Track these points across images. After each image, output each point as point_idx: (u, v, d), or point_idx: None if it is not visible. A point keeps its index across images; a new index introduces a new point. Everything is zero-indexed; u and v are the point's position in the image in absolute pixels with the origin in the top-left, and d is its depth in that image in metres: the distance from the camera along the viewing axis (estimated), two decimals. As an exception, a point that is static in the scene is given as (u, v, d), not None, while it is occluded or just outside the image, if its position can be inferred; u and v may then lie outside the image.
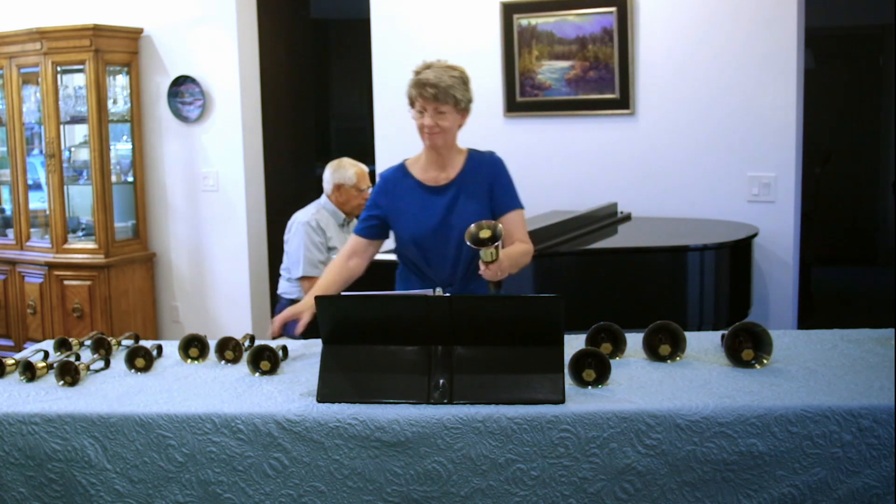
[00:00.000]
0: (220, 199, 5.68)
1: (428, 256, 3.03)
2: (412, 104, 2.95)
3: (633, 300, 3.94)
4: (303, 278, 4.34)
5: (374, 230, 3.10)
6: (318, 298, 2.37)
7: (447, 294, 2.45)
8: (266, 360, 2.54)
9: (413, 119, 2.98)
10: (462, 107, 2.96)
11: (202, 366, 2.63)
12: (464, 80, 2.96)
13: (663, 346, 2.54)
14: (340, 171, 4.47)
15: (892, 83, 8.10)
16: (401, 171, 3.10)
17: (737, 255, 4.10)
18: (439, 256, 3.02)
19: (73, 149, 5.78)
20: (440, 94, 2.88)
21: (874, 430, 2.10)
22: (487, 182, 3.02)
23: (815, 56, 7.23)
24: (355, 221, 4.64)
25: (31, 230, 5.83)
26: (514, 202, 3.06)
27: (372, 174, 4.90)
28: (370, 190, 4.54)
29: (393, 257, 3.33)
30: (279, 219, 5.14)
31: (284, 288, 4.50)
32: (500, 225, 2.77)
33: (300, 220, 4.42)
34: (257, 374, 2.52)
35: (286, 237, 4.49)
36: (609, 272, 3.95)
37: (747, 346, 2.45)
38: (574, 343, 2.53)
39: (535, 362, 2.24)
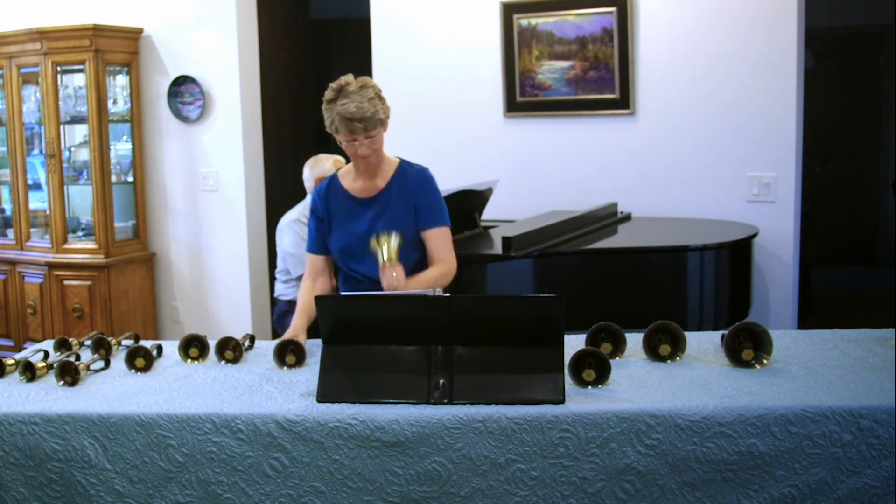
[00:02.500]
0: (220, 199, 5.68)
1: (358, 266, 3.05)
2: (336, 133, 2.93)
3: (633, 300, 3.94)
4: None
5: (324, 245, 3.12)
6: (318, 298, 2.37)
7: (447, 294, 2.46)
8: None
9: (339, 143, 2.97)
10: (386, 122, 2.97)
11: (202, 366, 2.63)
12: (379, 96, 2.94)
13: (663, 346, 2.54)
14: (319, 166, 4.48)
15: (892, 83, 8.10)
16: (333, 183, 3.12)
17: (737, 255, 4.11)
18: (368, 266, 3.02)
19: (73, 149, 5.78)
20: (369, 125, 2.88)
21: (874, 430, 2.10)
22: (412, 196, 3.02)
23: (815, 56, 7.23)
24: None
25: (31, 230, 5.83)
26: (436, 219, 3.04)
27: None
28: None
29: None
30: (279, 219, 5.14)
31: (281, 290, 4.50)
32: (397, 235, 2.82)
33: (290, 219, 4.43)
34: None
35: (278, 239, 4.50)
36: (609, 272, 3.95)
37: (747, 346, 2.45)
38: (574, 343, 2.53)
39: (535, 362, 2.24)
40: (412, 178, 3.05)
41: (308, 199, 4.51)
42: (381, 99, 2.96)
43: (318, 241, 3.12)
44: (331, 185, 3.12)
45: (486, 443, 2.14)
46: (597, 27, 4.82)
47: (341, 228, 3.06)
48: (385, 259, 2.81)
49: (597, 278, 3.94)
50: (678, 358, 2.52)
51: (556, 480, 2.14)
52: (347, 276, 3.12)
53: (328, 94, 2.94)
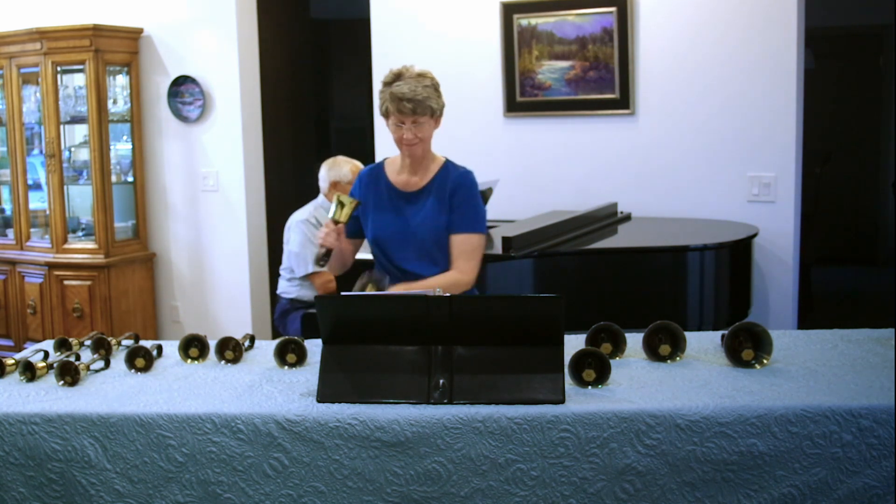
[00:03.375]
0: (220, 199, 5.68)
1: (391, 257, 3.07)
2: (387, 116, 2.97)
3: (633, 300, 3.94)
4: (313, 274, 4.35)
5: (354, 228, 3.13)
6: (318, 298, 2.37)
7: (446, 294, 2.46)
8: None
9: (388, 129, 3.01)
10: (437, 115, 2.99)
11: (202, 366, 2.63)
12: (436, 88, 2.97)
13: (663, 346, 2.54)
14: (336, 169, 4.49)
15: (892, 83, 8.10)
16: (377, 170, 3.14)
17: (737, 255, 4.10)
18: (401, 258, 3.05)
19: (73, 149, 5.78)
20: (418, 108, 2.90)
21: (874, 430, 2.10)
22: (448, 196, 3.01)
23: (815, 56, 7.23)
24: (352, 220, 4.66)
25: (31, 230, 5.83)
26: (466, 224, 3.00)
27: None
28: None
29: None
30: (279, 219, 5.14)
31: (284, 287, 4.51)
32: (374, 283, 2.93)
33: (298, 219, 4.43)
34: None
35: (286, 237, 4.50)
36: (609, 272, 3.95)
37: (747, 346, 2.45)
38: (574, 343, 2.52)
39: (535, 362, 2.23)
40: (453, 179, 3.03)
41: (319, 199, 4.52)
42: (438, 92, 2.98)
43: (350, 224, 3.12)
44: (374, 172, 3.13)
45: (486, 443, 2.14)
46: (597, 27, 4.82)
47: (378, 217, 3.07)
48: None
49: (597, 278, 3.94)
50: (678, 358, 2.52)
51: (556, 480, 2.14)
52: (379, 266, 3.13)
53: (387, 76, 2.98)
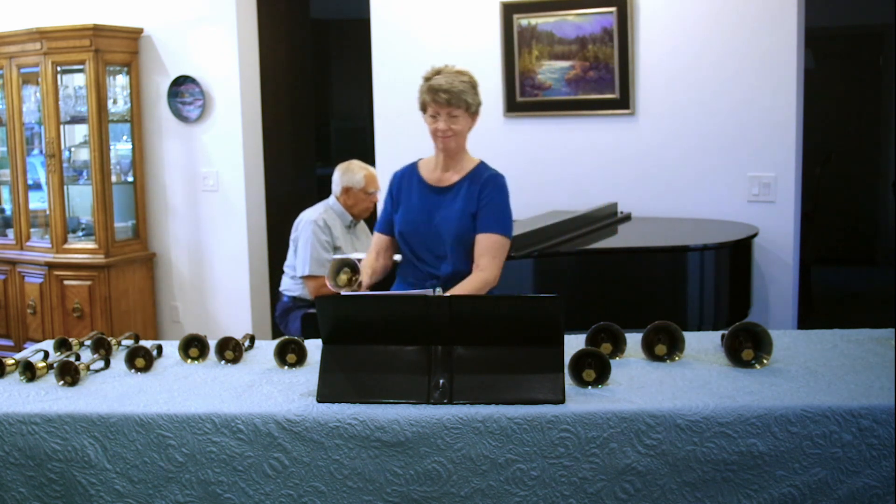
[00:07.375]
0: (220, 199, 5.68)
1: (416, 251, 3.15)
2: (424, 109, 3.06)
3: (633, 300, 3.94)
4: (308, 277, 4.35)
5: (390, 227, 3.23)
6: (318, 298, 2.37)
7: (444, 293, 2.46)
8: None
9: (426, 123, 3.09)
10: (472, 110, 3.07)
11: (202, 366, 2.63)
12: (473, 85, 3.06)
13: (659, 346, 2.53)
14: (349, 174, 4.48)
15: (892, 83, 8.10)
16: (411, 169, 3.23)
17: (737, 255, 4.10)
18: (426, 252, 3.13)
19: (73, 149, 5.78)
20: (453, 99, 2.98)
21: (874, 430, 2.10)
22: (476, 197, 3.09)
23: (815, 56, 7.23)
24: (362, 224, 4.67)
25: (31, 230, 5.83)
26: (491, 225, 3.07)
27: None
28: (378, 193, 4.57)
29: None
30: (279, 219, 5.14)
31: (287, 285, 4.51)
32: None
33: (308, 219, 4.43)
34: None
35: (293, 235, 4.50)
36: (609, 272, 3.95)
37: (747, 346, 2.45)
38: (574, 343, 2.52)
39: (535, 362, 2.23)
40: (484, 180, 3.11)
41: (330, 200, 4.52)
42: (475, 89, 3.07)
43: (385, 221, 3.25)
44: (408, 171, 3.23)
45: (486, 443, 2.14)
46: (597, 27, 4.82)
47: (406, 211, 3.15)
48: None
49: (597, 278, 3.94)
50: (676, 358, 2.52)
51: (556, 480, 2.14)
52: (406, 261, 3.21)
53: (427, 73, 3.08)
